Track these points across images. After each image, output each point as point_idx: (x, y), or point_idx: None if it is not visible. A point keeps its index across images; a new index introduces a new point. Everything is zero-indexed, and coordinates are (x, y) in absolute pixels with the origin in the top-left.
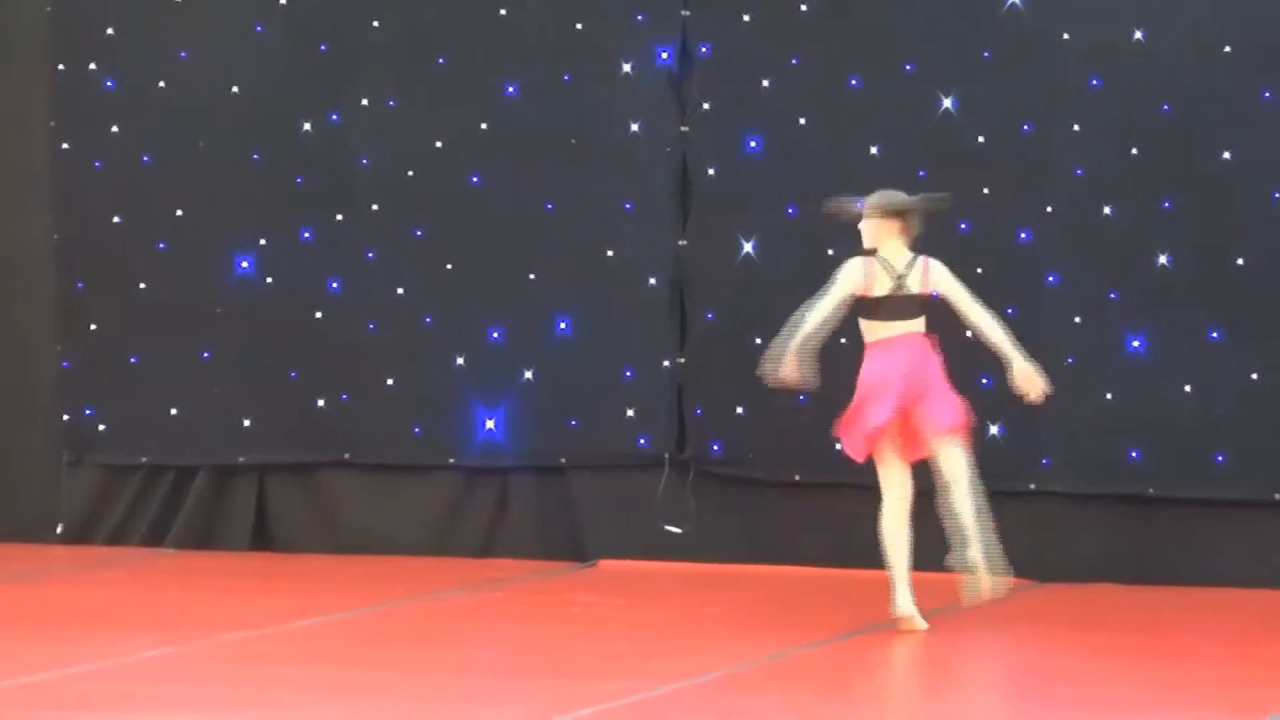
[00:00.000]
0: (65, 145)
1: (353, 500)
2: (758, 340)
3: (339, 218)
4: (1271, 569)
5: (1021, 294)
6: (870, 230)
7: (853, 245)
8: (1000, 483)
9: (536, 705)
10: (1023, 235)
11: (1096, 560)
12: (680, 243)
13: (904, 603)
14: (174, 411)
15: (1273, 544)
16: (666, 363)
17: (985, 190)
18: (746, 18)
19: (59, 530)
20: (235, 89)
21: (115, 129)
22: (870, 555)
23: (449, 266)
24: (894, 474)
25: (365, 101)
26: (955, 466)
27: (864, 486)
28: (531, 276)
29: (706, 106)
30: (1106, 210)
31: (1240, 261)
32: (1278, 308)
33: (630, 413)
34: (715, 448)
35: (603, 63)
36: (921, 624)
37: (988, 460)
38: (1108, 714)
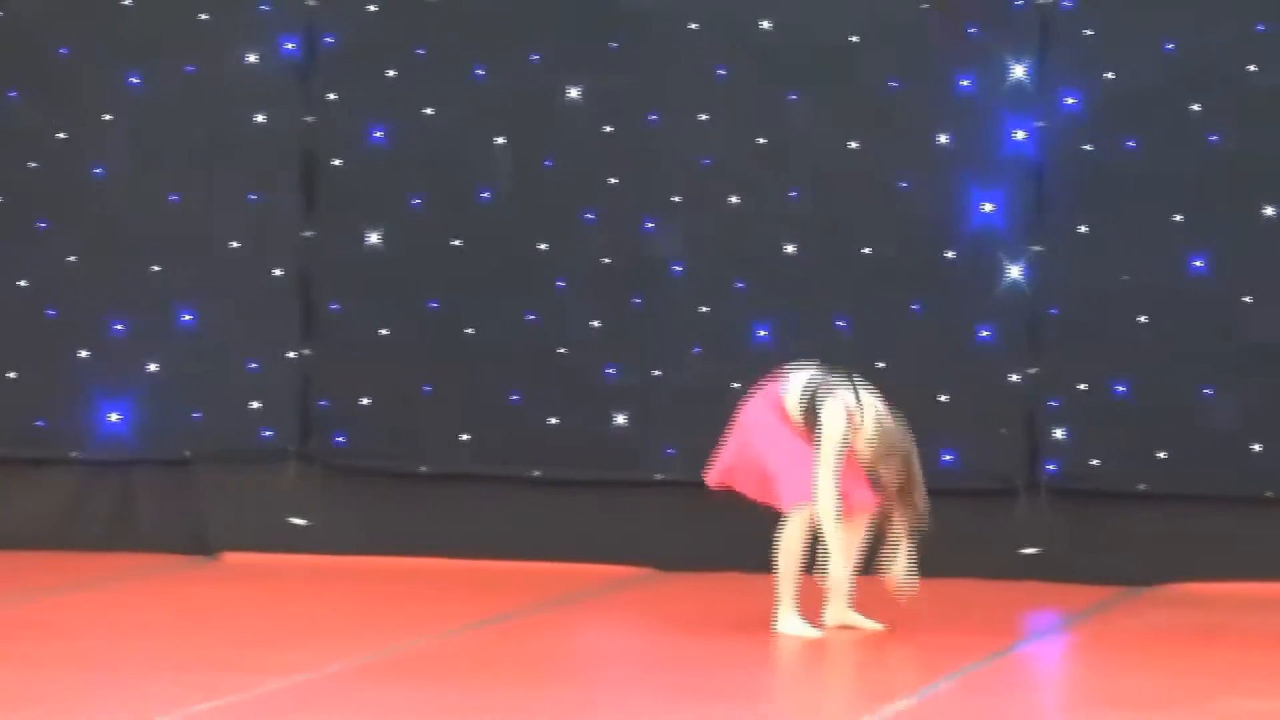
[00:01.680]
0: None
1: None
2: (383, 331)
3: None
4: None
5: (647, 283)
6: None
7: (473, 235)
8: (625, 472)
9: (157, 700)
10: (649, 225)
11: (723, 550)
12: (305, 234)
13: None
14: None
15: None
16: (291, 354)
17: (611, 180)
18: (372, 8)
19: None
20: None
21: None
22: (497, 546)
23: (72, 259)
24: None
25: None
26: None
27: (492, 478)
28: (155, 268)
29: (332, 97)
30: (733, 199)
31: (866, 250)
32: (902, 296)
33: (255, 405)
34: (340, 439)
35: (226, 53)
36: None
37: (613, 450)
38: (726, 698)
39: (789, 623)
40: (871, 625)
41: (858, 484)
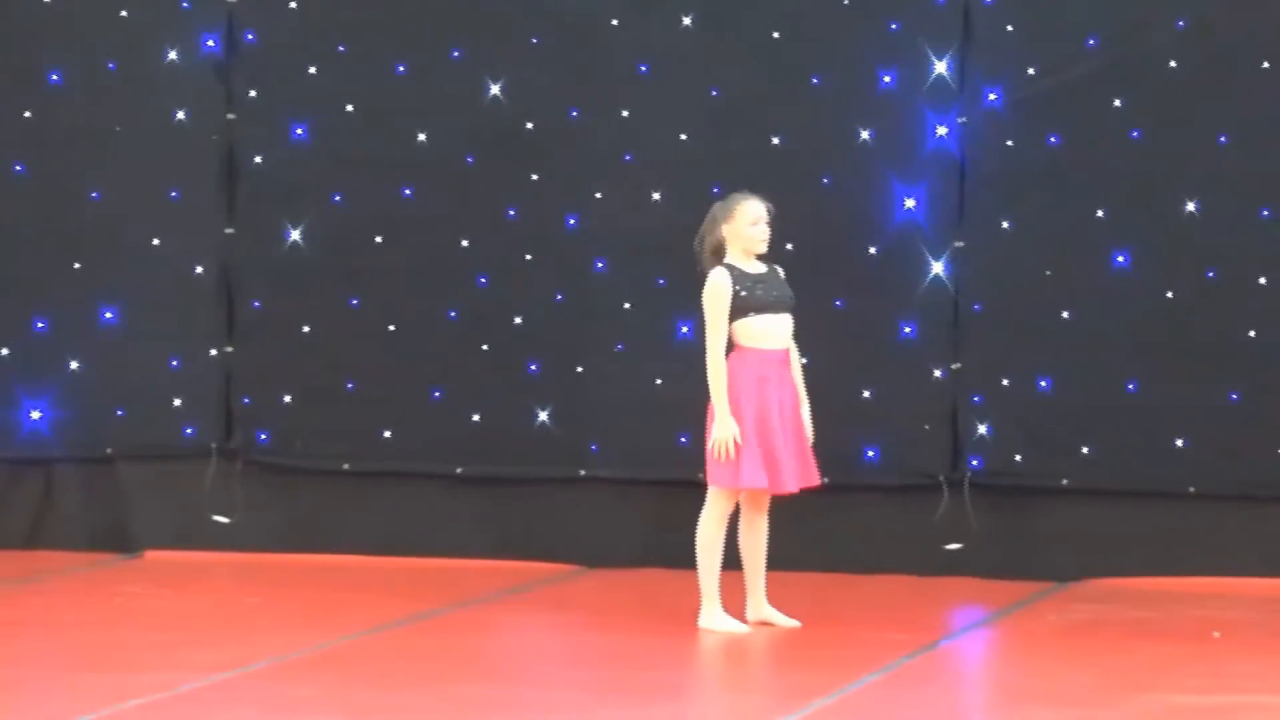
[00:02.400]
0: None
1: None
2: (305, 328)
3: None
4: (808, 551)
5: (570, 280)
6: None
7: (395, 232)
8: (550, 469)
9: (81, 698)
10: (571, 221)
11: (649, 546)
12: (227, 231)
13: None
14: None
15: (817, 528)
16: (214, 352)
17: (534, 177)
18: (293, 5)
19: None
20: None
21: None
22: (421, 543)
23: None
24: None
25: None
26: None
27: (415, 475)
28: (77, 266)
29: (253, 94)
30: (655, 196)
31: (789, 246)
32: (826, 292)
33: (178, 402)
34: (263, 437)
35: (147, 50)
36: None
37: (537, 446)
38: (651, 697)
39: (714, 619)
40: (788, 622)
41: (760, 464)
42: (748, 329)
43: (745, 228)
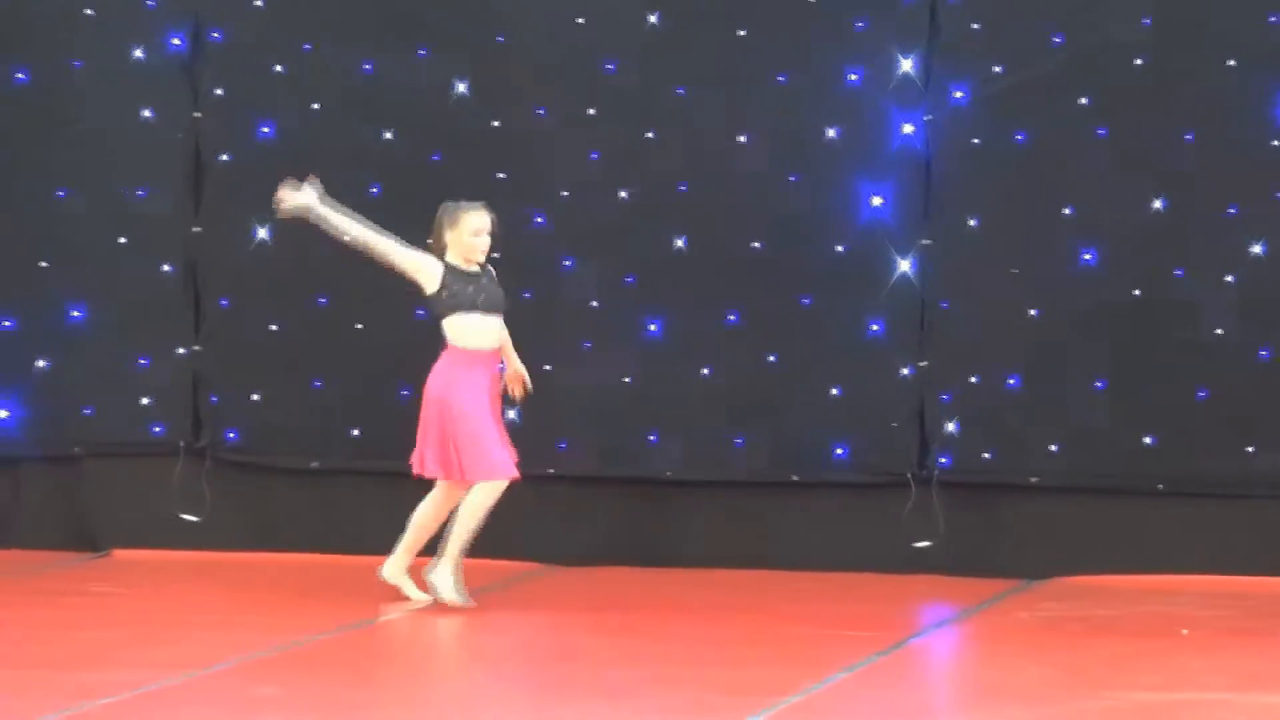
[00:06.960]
0: None
1: None
2: (273, 327)
3: None
4: (776, 548)
5: (538, 278)
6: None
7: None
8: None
9: (45, 697)
10: (538, 219)
11: (612, 544)
12: (194, 229)
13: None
14: None
15: (785, 526)
16: (182, 350)
17: (500, 175)
18: (259, 3)
19: None
20: None
21: None
22: (387, 542)
23: None
24: None
25: None
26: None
27: (381, 474)
28: (43, 264)
29: (219, 93)
30: (622, 194)
31: (756, 245)
32: (793, 290)
33: (145, 401)
34: (231, 435)
35: (114, 49)
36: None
37: None
38: (615, 694)
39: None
40: (418, 595)
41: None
42: (457, 327)
43: (467, 236)
